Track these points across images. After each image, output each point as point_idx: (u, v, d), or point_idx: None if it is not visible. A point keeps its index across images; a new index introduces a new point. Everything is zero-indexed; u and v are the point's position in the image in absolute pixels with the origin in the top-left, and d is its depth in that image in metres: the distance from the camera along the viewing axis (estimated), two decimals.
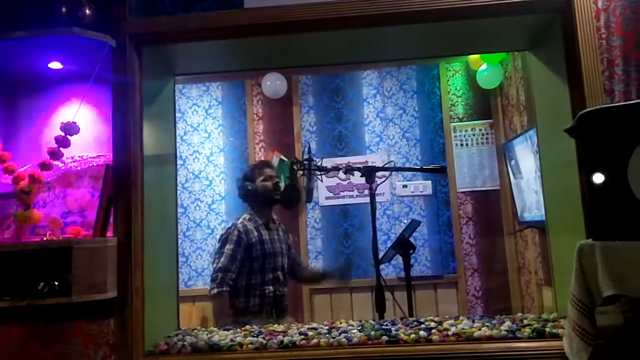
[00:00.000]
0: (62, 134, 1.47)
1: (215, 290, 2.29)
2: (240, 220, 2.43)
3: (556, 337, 1.32)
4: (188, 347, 1.45)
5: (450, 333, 1.40)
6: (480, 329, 1.40)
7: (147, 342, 1.46)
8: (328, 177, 3.55)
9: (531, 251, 3.20)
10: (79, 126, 1.49)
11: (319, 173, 2.28)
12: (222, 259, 2.32)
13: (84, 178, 1.55)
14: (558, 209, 1.63)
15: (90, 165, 1.57)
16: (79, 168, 1.56)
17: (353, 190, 3.58)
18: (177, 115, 3.61)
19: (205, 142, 3.73)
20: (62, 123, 1.48)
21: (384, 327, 1.53)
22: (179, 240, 3.40)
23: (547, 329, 1.36)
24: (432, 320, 1.57)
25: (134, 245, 1.45)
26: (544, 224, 2.62)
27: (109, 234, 1.48)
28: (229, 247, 2.34)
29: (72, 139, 1.49)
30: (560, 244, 1.62)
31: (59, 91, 1.64)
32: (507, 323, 1.46)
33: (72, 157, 1.57)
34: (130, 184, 1.47)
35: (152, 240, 1.55)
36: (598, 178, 1.08)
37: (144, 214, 1.51)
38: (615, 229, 1.05)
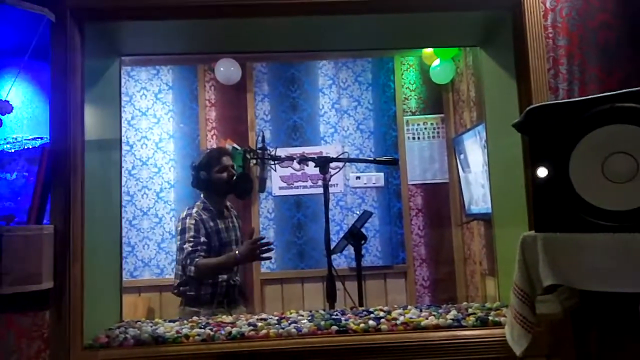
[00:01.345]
0: None
1: (192, 268, 2.21)
2: (195, 209, 2.36)
3: (499, 325, 1.37)
4: (131, 339, 1.39)
5: (398, 322, 1.42)
6: (427, 318, 1.43)
7: (86, 336, 1.38)
8: (282, 167, 3.52)
9: (477, 243, 3.32)
10: (13, 105, 1.38)
11: (272, 162, 2.25)
12: (185, 245, 2.25)
13: (18, 161, 1.44)
14: (503, 202, 1.68)
15: (26, 147, 1.46)
16: (12, 150, 1.45)
17: (307, 181, 3.57)
18: (124, 98, 3.47)
19: (154, 128, 3.60)
20: None
21: (333, 317, 1.53)
22: (125, 230, 3.30)
23: (490, 318, 1.41)
24: (381, 310, 1.59)
25: (72, 233, 1.36)
26: (489, 216, 2.73)
27: (46, 221, 1.39)
28: (189, 234, 2.27)
29: (5, 118, 1.38)
30: (504, 236, 1.68)
31: None
32: (453, 312, 1.49)
33: (5, 139, 1.46)
34: (69, 169, 1.38)
35: (93, 229, 1.47)
36: (542, 172, 1.12)
37: (84, 201, 1.43)
38: (556, 221, 1.09)
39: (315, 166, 2.07)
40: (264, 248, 2.20)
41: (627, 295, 1.05)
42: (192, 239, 2.25)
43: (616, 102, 1.01)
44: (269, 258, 2.31)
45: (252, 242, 2.21)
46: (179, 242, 2.31)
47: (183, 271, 2.27)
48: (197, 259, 2.22)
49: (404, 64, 3.72)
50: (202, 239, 2.26)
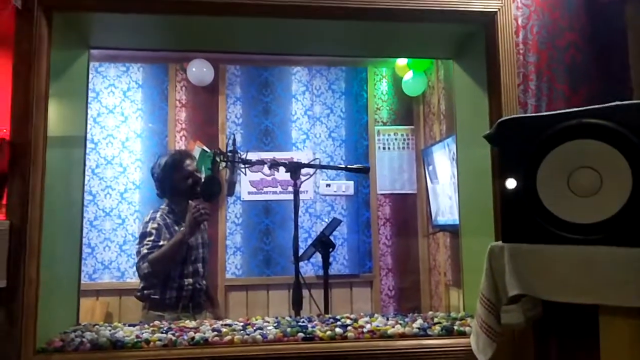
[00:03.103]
0: None
1: (145, 264, 2.14)
2: (159, 213, 2.29)
3: (463, 334, 1.39)
4: (87, 343, 1.33)
5: (365, 330, 1.41)
6: (393, 327, 1.43)
7: (40, 339, 1.31)
8: (252, 172, 3.48)
9: (442, 253, 3.37)
10: None
11: (242, 166, 2.22)
12: (143, 249, 2.18)
13: None
14: (471, 212, 1.71)
15: None
16: None
17: (277, 187, 3.54)
18: (91, 95, 3.37)
19: (121, 126, 3.50)
20: None
21: (300, 324, 1.51)
22: (85, 230, 3.18)
23: (456, 327, 1.42)
24: (348, 318, 1.58)
25: (29, 231, 1.30)
26: (455, 227, 2.77)
27: (1, 216, 1.32)
28: (149, 238, 2.20)
29: None
30: (471, 246, 1.71)
31: None
32: (419, 321, 1.50)
33: None
34: (29, 163, 1.32)
35: (52, 227, 1.40)
36: (511, 184, 1.14)
37: (44, 198, 1.36)
38: (523, 232, 1.11)
39: (286, 172, 2.05)
40: (202, 211, 2.16)
41: (586, 305, 1.07)
42: (149, 242, 2.19)
43: (583, 117, 1.05)
44: (207, 217, 2.24)
45: (191, 212, 2.17)
46: (137, 246, 2.24)
47: (138, 273, 2.20)
48: (149, 255, 2.17)
49: (377, 75, 3.76)
50: (162, 242, 2.20)
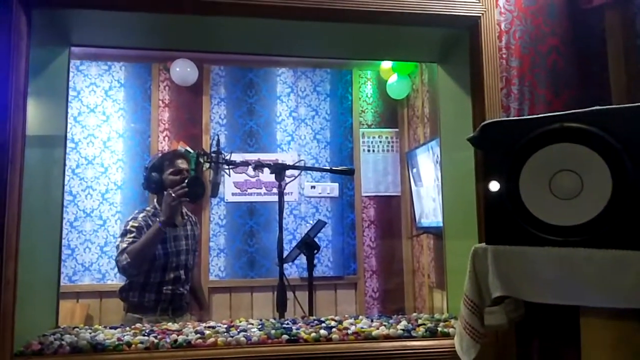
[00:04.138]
0: None
1: (124, 256, 2.10)
2: (143, 214, 2.26)
3: (447, 336, 1.40)
4: (66, 346, 1.30)
5: (349, 332, 1.41)
6: (378, 328, 1.44)
7: (17, 342, 1.28)
8: (236, 173, 3.46)
9: (426, 255, 3.39)
10: None
11: (226, 167, 2.20)
12: (121, 244, 2.14)
13: None
14: (455, 214, 1.72)
15: None
16: None
17: (261, 188, 3.53)
18: (72, 93, 3.31)
19: (103, 126, 3.44)
20: None
21: (284, 325, 1.50)
22: (65, 231, 3.12)
23: (440, 329, 1.43)
24: (333, 319, 1.58)
25: (7, 231, 1.26)
26: (439, 230, 2.80)
27: None
28: (128, 235, 2.16)
29: None
30: (454, 248, 1.72)
31: None
32: (403, 322, 1.51)
33: None
34: (7, 162, 1.28)
35: (31, 228, 1.37)
36: (494, 186, 1.15)
37: (21, 198, 1.33)
38: (506, 234, 1.13)
39: (270, 173, 2.05)
40: (179, 192, 2.13)
41: (567, 307, 1.09)
42: (130, 239, 2.15)
43: (565, 122, 1.06)
44: (185, 197, 2.18)
45: (167, 198, 2.14)
46: (117, 241, 2.21)
47: (117, 267, 2.16)
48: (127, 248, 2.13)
49: (362, 77, 3.77)
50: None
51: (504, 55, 1.53)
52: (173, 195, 2.13)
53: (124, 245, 2.13)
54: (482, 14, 1.51)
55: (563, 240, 1.05)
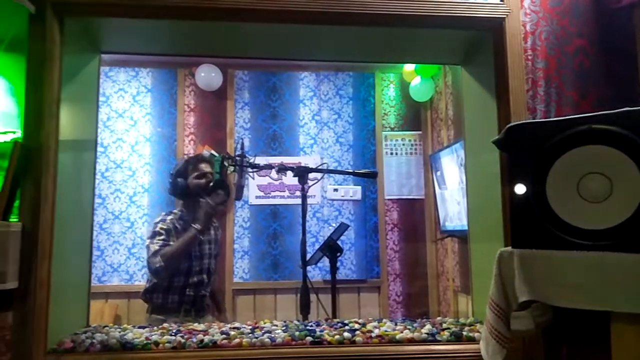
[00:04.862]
0: None
1: (158, 258, 2.15)
2: (171, 217, 2.31)
3: (472, 340, 1.38)
4: (97, 345, 1.34)
5: (373, 335, 1.41)
6: (402, 332, 1.43)
7: (50, 340, 1.33)
8: (260, 176, 3.50)
9: (450, 259, 3.35)
10: None
11: (250, 170, 2.22)
12: (153, 245, 2.19)
13: None
14: (480, 218, 1.70)
15: None
16: None
17: (284, 191, 3.55)
18: (101, 99, 3.40)
19: (131, 130, 3.53)
20: None
21: (308, 327, 1.51)
22: (95, 233, 3.20)
23: (465, 333, 1.42)
24: (356, 322, 1.58)
25: (41, 233, 1.31)
26: (464, 233, 2.76)
27: (14, 218, 1.33)
28: (158, 237, 2.21)
29: None
30: (480, 252, 1.70)
31: None
32: (428, 326, 1.50)
33: None
34: (41, 166, 1.33)
35: (63, 230, 1.42)
36: (520, 189, 1.14)
37: (55, 201, 1.38)
38: (533, 238, 1.11)
39: (294, 176, 2.06)
40: (217, 200, 2.20)
41: (597, 312, 1.06)
42: (160, 240, 2.20)
43: (593, 123, 1.04)
44: (222, 204, 2.26)
45: (205, 206, 2.20)
46: (147, 242, 2.26)
47: (150, 268, 2.21)
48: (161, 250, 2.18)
49: (384, 80, 3.77)
50: (171, 243, 2.22)
51: (529, 57, 1.51)
52: (211, 203, 2.17)
53: (156, 247, 2.18)
54: (507, 15, 1.50)
55: (592, 244, 1.03)
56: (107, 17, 1.47)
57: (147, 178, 3.49)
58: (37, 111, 1.35)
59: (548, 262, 1.08)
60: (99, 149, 3.36)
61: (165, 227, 2.24)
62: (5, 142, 1.39)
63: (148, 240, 2.25)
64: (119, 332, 1.48)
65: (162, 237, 2.21)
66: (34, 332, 1.27)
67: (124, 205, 3.46)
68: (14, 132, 1.43)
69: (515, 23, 1.50)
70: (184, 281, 2.26)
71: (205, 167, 2.36)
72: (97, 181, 3.08)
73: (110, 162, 3.48)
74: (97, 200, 3.39)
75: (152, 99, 3.58)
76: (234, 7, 1.44)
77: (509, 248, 1.15)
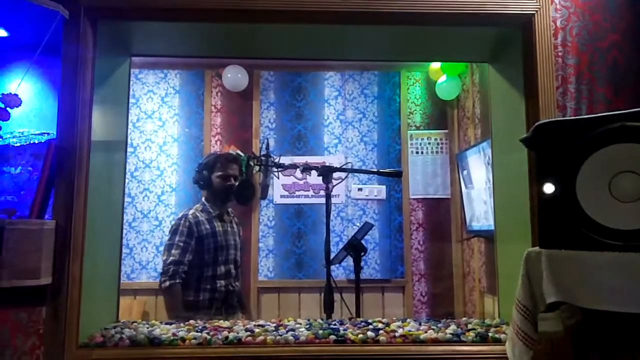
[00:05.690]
0: (2, 105, 1.36)
1: (168, 283, 2.21)
2: (192, 210, 2.36)
3: (498, 341, 1.36)
4: (126, 340, 1.38)
5: (397, 335, 1.40)
6: (426, 332, 1.42)
7: (81, 334, 1.37)
8: (284, 176, 3.52)
9: (476, 260, 3.30)
10: (21, 99, 1.39)
11: (275, 170, 2.24)
12: (172, 251, 2.25)
13: (23, 155, 1.44)
14: (507, 218, 1.67)
15: (32, 142, 1.46)
16: (18, 144, 1.45)
17: (309, 190, 3.56)
18: (131, 100, 3.48)
19: (159, 131, 3.60)
20: (2, 94, 1.37)
21: (332, 326, 1.52)
22: (124, 231, 3.28)
23: (490, 334, 1.40)
24: (380, 322, 1.57)
25: (74, 230, 1.36)
26: (490, 233, 2.71)
27: (48, 216, 1.38)
28: (179, 238, 2.26)
29: (13, 112, 1.38)
30: (506, 252, 1.67)
31: (2, 60, 1.52)
32: (452, 327, 1.48)
33: (12, 132, 1.46)
34: (74, 166, 1.38)
35: (94, 228, 1.46)
36: (549, 188, 1.11)
37: (87, 200, 1.42)
38: (562, 238, 1.09)
39: (318, 175, 2.07)
40: None
41: (630, 315, 1.03)
42: (181, 243, 2.25)
43: (626, 121, 1.01)
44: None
45: None
46: (168, 241, 2.31)
47: (160, 283, 2.25)
48: (177, 279, 2.22)
49: (410, 79, 3.73)
50: (191, 246, 2.25)
51: (559, 53, 1.47)
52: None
53: (176, 256, 2.23)
54: (537, 11, 1.47)
55: (624, 245, 1.00)
56: (138, 21, 1.51)
57: (174, 178, 3.56)
58: (71, 113, 1.40)
59: (577, 263, 1.05)
60: (129, 149, 3.44)
61: (187, 224, 2.29)
62: (40, 142, 1.45)
63: (169, 237, 2.30)
64: (147, 327, 1.52)
65: (183, 238, 2.26)
66: (66, 327, 1.32)
67: (153, 204, 3.54)
68: (48, 133, 1.48)
69: (545, 19, 1.47)
70: (212, 271, 2.29)
71: (231, 170, 2.39)
72: (126, 180, 3.16)
73: (139, 162, 3.56)
74: (127, 199, 3.46)
75: (180, 100, 3.65)
76: (261, 9, 1.46)
77: (537, 248, 1.13)
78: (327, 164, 3.33)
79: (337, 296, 1.98)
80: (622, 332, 1.19)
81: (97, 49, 1.47)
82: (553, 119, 1.30)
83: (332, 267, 2.01)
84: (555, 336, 1.18)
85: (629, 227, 1.00)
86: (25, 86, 1.45)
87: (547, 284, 1.08)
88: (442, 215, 3.63)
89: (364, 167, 3.58)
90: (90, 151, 1.44)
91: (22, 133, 1.47)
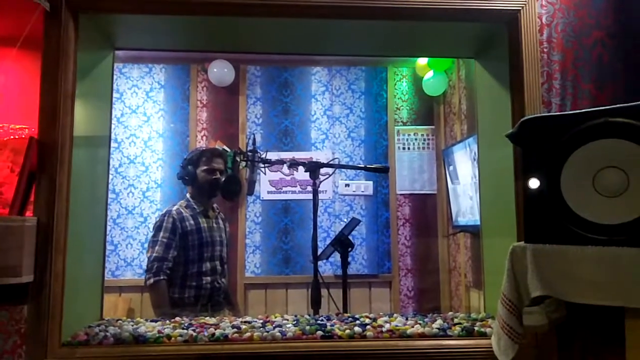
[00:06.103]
0: None
1: (152, 280, 2.19)
2: (176, 207, 2.34)
3: (484, 335, 1.37)
4: (110, 338, 1.36)
5: (384, 330, 1.40)
6: (413, 327, 1.43)
7: (65, 332, 1.35)
8: (271, 172, 3.50)
9: (462, 254, 3.33)
10: (1, 93, 1.35)
11: (262, 166, 2.24)
12: (156, 247, 2.23)
13: (3, 150, 1.40)
14: (493, 213, 1.69)
15: (12, 137, 1.42)
16: None
17: (296, 186, 3.55)
18: (115, 95, 3.43)
19: (144, 126, 3.56)
20: None
21: (319, 322, 1.52)
22: (108, 228, 3.24)
23: (476, 328, 1.41)
24: (367, 317, 1.58)
25: (56, 227, 1.33)
26: (476, 228, 2.74)
27: (29, 213, 1.35)
28: (163, 234, 2.24)
29: None
30: (492, 247, 1.69)
31: None
32: (439, 321, 1.49)
33: None
34: (56, 161, 1.35)
35: (77, 225, 1.44)
36: (534, 183, 1.12)
37: (69, 196, 1.40)
38: (546, 233, 1.10)
39: (305, 171, 2.06)
40: None
41: (613, 309, 1.05)
42: (165, 240, 2.23)
43: (610, 116, 1.02)
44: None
45: None
46: (152, 238, 2.29)
47: (145, 279, 2.24)
48: (161, 276, 2.20)
49: (397, 75, 3.74)
50: (175, 242, 2.23)
51: (545, 49, 1.48)
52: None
53: (159, 253, 2.21)
54: (522, 7, 1.47)
55: (607, 239, 1.02)
56: (121, 13, 1.48)
57: (160, 173, 3.52)
58: (52, 107, 1.37)
59: (562, 257, 1.06)
60: (113, 144, 3.40)
61: (170, 220, 2.28)
62: (20, 138, 1.41)
63: (153, 233, 2.28)
64: (132, 325, 1.50)
65: (166, 234, 2.24)
66: (49, 325, 1.29)
67: (137, 200, 3.50)
68: (29, 128, 1.44)
69: (530, 15, 1.48)
70: (197, 268, 2.27)
71: (216, 164, 2.38)
72: (110, 176, 3.12)
73: (123, 158, 3.52)
74: (111, 196, 3.43)
75: (165, 95, 3.60)
76: (247, 3, 1.44)
77: (522, 243, 1.14)
78: (314, 160, 3.35)
79: (324, 292, 1.99)
80: (606, 325, 1.21)
81: (79, 42, 1.44)
82: (538, 115, 1.31)
83: (320, 263, 2.01)
84: (540, 330, 1.19)
85: (613, 222, 1.01)
86: (5, 80, 1.41)
87: (532, 278, 1.09)
88: (429, 210, 3.65)
89: (351, 163, 3.58)
90: (72, 146, 1.41)
91: (2, 127, 1.43)
